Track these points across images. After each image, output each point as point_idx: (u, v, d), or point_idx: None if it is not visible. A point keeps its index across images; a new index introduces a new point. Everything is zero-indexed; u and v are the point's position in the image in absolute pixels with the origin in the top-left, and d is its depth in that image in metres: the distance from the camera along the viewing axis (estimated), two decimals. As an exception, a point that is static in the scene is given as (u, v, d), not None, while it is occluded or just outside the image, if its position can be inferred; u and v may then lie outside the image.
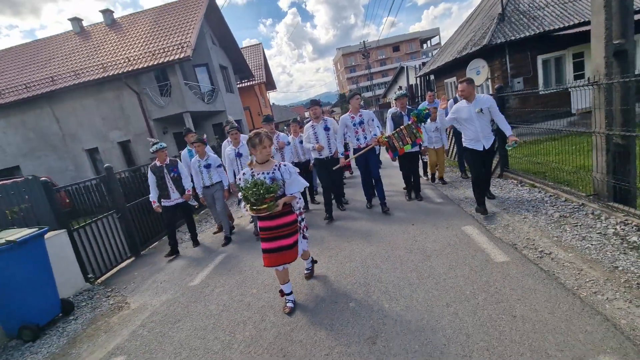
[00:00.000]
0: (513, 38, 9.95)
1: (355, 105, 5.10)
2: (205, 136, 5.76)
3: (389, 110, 5.86)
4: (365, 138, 5.15)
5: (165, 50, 12.49)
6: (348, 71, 70.43)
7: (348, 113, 5.25)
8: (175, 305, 3.60)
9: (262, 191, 2.58)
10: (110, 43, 14.35)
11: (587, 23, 9.36)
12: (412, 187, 5.66)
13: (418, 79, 19.16)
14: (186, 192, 5.19)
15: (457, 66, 12.78)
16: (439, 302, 2.70)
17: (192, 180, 5.46)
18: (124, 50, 13.44)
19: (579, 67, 10.46)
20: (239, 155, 5.14)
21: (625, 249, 2.95)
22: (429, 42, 70.24)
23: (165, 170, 5.07)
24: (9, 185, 4.19)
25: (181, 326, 3.14)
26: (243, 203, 2.77)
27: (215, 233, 6.05)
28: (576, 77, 10.30)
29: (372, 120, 5.21)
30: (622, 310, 2.24)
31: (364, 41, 37.15)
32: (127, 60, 12.56)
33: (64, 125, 13.35)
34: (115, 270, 5.23)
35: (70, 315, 3.89)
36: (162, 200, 5.15)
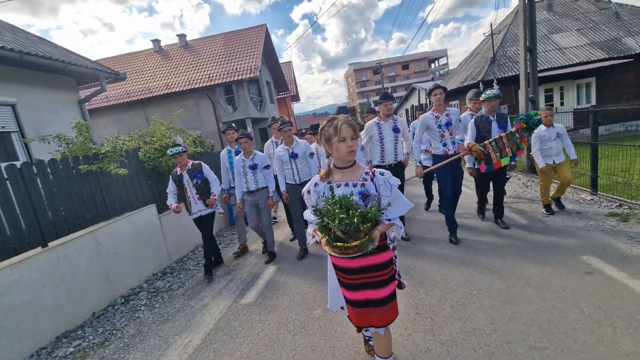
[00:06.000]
0: (500, 77, 13.75)
1: (440, 103, 4.04)
2: (251, 132, 4.90)
3: (465, 113, 4.97)
4: (454, 144, 4.13)
5: (238, 70, 16.40)
6: (359, 86, 74.92)
7: (431, 112, 4.20)
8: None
9: (355, 220, 1.57)
10: (189, 62, 18.35)
11: (551, 69, 13.20)
12: (496, 209, 4.53)
13: (427, 98, 23.06)
14: (210, 197, 4.35)
15: (459, 93, 16.58)
16: None
17: (221, 184, 4.86)
18: (203, 68, 17.39)
19: (548, 99, 14.26)
20: (293, 156, 4.38)
21: None
22: (436, 62, 74.80)
23: (187, 178, 4.28)
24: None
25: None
26: (312, 228, 1.91)
27: (236, 256, 5.09)
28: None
29: (459, 121, 4.30)
30: None
31: (379, 62, 41.38)
32: (208, 77, 16.49)
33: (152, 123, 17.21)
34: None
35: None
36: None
